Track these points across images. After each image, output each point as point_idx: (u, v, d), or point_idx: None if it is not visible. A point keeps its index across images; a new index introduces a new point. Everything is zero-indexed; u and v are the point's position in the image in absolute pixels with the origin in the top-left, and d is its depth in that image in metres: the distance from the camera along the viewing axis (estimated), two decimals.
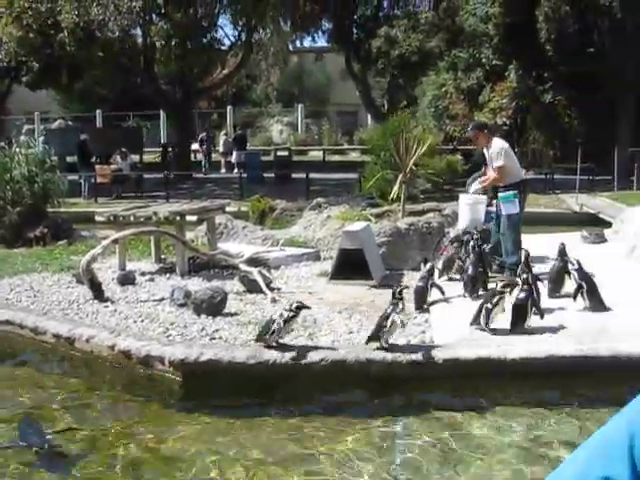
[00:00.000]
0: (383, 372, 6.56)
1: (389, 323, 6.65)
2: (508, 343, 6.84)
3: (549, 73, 27.64)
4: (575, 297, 8.08)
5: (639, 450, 1.20)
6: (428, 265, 8.87)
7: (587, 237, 12.75)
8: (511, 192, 9.81)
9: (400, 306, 6.84)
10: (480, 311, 7.28)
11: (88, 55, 27.55)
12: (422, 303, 8.38)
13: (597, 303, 8.01)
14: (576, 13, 24.44)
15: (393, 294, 6.97)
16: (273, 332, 6.76)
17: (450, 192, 17.70)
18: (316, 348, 6.83)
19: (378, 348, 6.67)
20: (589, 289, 8.04)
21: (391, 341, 6.75)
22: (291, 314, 6.90)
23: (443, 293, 8.63)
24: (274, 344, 6.78)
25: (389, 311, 6.75)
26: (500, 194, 9.89)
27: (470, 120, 27.76)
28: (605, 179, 22.81)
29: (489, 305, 7.23)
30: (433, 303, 8.52)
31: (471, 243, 9.24)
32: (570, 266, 8.34)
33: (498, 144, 10.10)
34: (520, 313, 7.26)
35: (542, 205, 19.40)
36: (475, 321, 7.31)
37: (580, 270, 8.19)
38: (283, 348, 6.77)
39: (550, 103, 27.81)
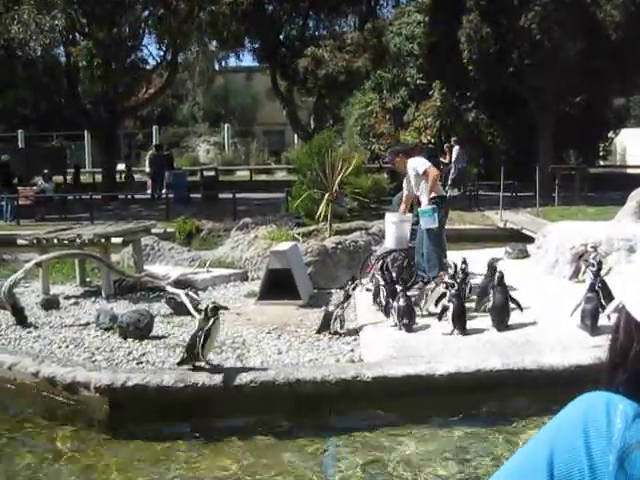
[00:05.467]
0: (312, 391, 6.55)
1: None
2: (436, 360, 6.92)
3: (472, 92, 28.21)
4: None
5: (558, 468, 1.22)
6: (350, 286, 8.75)
7: (510, 252, 12.96)
8: (430, 207, 9.94)
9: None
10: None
11: (9, 74, 26.97)
12: (327, 327, 8.26)
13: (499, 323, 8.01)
14: (497, 34, 24.99)
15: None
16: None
17: (376, 210, 17.87)
18: (245, 369, 6.79)
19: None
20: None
21: (319, 359, 6.77)
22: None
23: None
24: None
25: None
26: (419, 208, 10.08)
27: (395, 139, 28.23)
28: (528, 195, 23.29)
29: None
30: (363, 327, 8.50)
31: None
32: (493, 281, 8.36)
33: (419, 159, 10.45)
34: (460, 316, 7.88)
35: (467, 222, 19.70)
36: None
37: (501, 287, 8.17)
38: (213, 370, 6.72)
39: (473, 121, 28.37)
